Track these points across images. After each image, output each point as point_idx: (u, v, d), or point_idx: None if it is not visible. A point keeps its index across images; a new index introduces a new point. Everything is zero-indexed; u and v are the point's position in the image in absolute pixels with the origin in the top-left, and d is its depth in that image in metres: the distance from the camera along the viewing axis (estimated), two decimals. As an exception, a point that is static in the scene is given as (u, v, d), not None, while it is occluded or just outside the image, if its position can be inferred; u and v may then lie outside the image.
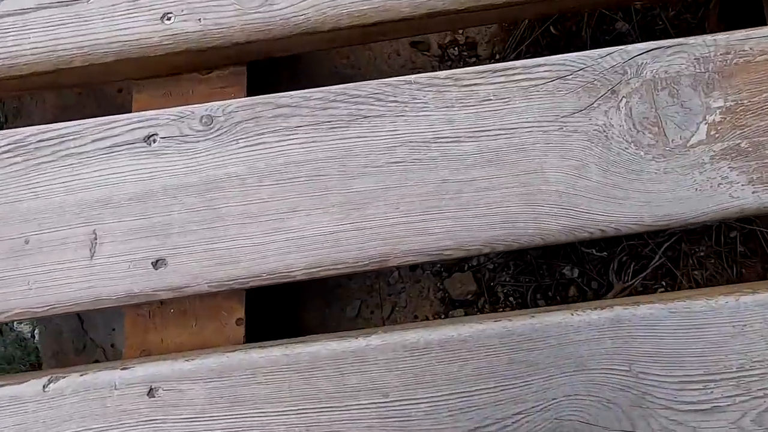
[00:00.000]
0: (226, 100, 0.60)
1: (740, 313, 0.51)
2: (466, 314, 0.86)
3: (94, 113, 0.94)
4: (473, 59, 0.94)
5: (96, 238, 0.54)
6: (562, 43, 0.92)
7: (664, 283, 0.85)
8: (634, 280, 0.85)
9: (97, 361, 0.92)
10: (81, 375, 0.52)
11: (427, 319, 0.87)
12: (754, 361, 0.50)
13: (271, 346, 0.53)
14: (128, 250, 0.54)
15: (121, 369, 0.52)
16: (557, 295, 0.86)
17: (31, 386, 0.52)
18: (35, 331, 0.98)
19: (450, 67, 0.94)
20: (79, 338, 0.96)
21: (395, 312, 0.87)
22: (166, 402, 0.51)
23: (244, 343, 0.58)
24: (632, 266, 0.85)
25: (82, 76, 0.61)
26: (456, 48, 0.94)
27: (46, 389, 0.52)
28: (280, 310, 0.82)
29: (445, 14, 0.60)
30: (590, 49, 0.90)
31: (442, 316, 0.86)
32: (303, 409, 0.50)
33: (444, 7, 0.59)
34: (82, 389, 0.51)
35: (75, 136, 0.56)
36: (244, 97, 0.63)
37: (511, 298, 0.87)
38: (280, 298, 0.82)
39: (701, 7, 0.91)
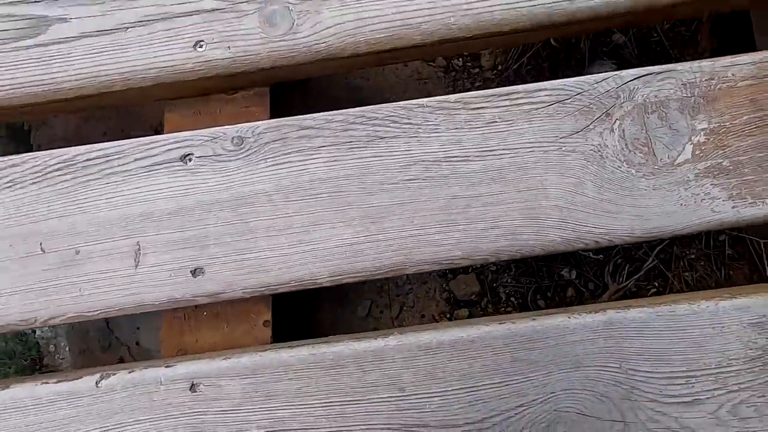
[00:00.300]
0: (251, 119, 0.66)
1: (719, 316, 0.57)
2: (470, 314, 0.93)
3: (115, 123, 0.99)
4: (476, 69, 0.99)
5: (140, 249, 0.60)
6: (562, 55, 0.97)
7: (656, 284, 0.92)
8: (628, 282, 0.91)
9: (122, 359, 0.98)
10: (129, 372, 0.58)
11: (434, 318, 0.93)
12: (731, 359, 0.56)
13: (299, 345, 0.59)
14: (169, 260, 0.60)
15: (165, 366, 0.58)
16: (556, 296, 0.92)
17: (85, 382, 0.58)
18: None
19: (454, 78, 1.00)
20: (104, 337, 1.02)
21: (403, 311, 0.93)
22: (206, 396, 0.57)
23: (271, 342, 0.64)
24: (626, 268, 0.91)
25: (121, 98, 0.67)
26: (460, 59, 0.99)
27: (99, 385, 0.58)
28: (298, 309, 0.88)
29: (454, 41, 0.65)
30: (588, 60, 0.95)
31: (448, 316, 0.93)
32: (329, 402, 0.57)
33: (453, 35, 0.64)
34: (131, 385, 0.58)
35: (119, 156, 0.62)
36: (268, 114, 0.69)
37: (512, 299, 0.93)
38: (299, 299, 0.88)
39: (695, 21, 0.96)
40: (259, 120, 0.64)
